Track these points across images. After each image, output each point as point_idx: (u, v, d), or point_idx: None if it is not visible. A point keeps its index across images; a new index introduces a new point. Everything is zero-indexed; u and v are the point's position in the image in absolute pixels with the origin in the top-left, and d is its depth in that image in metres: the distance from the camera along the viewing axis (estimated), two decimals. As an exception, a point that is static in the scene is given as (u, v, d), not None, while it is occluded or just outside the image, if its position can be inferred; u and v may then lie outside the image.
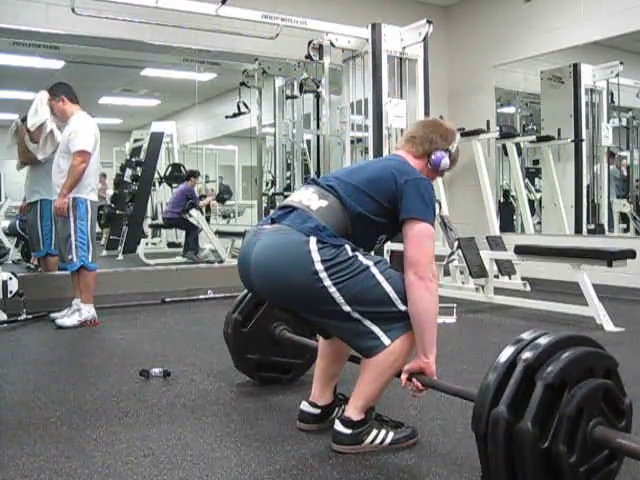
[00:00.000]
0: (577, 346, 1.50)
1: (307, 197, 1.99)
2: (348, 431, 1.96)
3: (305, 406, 2.17)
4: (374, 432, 1.99)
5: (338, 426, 1.98)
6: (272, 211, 2.19)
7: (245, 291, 2.60)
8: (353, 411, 1.97)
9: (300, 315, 2.00)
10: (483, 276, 4.73)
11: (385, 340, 1.88)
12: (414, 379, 1.92)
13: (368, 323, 1.88)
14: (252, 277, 1.96)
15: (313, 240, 1.85)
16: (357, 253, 1.90)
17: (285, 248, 1.89)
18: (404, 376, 1.93)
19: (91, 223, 4.18)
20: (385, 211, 1.96)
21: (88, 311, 4.14)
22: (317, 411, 2.16)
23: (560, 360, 1.43)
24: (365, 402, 1.97)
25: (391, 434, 2.01)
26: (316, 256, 1.84)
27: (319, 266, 1.83)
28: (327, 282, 1.83)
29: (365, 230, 1.98)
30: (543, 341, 1.47)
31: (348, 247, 1.89)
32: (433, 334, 1.90)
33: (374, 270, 1.89)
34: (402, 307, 1.89)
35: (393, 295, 1.89)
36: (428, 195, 1.95)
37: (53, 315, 4.24)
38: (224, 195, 8.83)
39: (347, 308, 1.85)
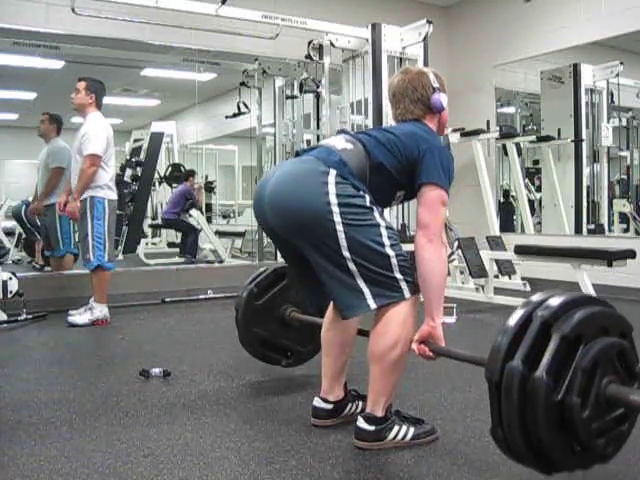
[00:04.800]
0: (593, 305, 1.50)
1: (334, 140, 2.03)
2: (371, 428, 1.97)
3: (317, 402, 2.19)
4: (396, 428, 2.00)
5: (361, 423, 1.99)
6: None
7: (264, 268, 2.66)
8: (373, 408, 1.98)
9: (303, 254, 1.97)
10: (483, 276, 4.73)
11: (371, 303, 1.89)
12: (423, 345, 1.93)
13: (360, 281, 1.88)
14: (265, 205, 1.95)
15: (333, 172, 1.86)
16: (374, 207, 1.91)
17: (304, 174, 1.90)
18: (414, 345, 1.94)
19: (109, 222, 4.18)
20: (404, 171, 1.97)
21: (100, 310, 4.15)
22: (329, 406, 2.17)
23: (576, 316, 1.42)
24: (381, 397, 1.98)
25: (412, 430, 2.02)
26: (332, 189, 1.84)
27: (333, 199, 1.84)
28: (337, 218, 1.84)
29: (383, 182, 1.99)
30: (559, 299, 1.47)
31: (368, 197, 1.90)
32: (440, 298, 1.92)
33: (383, 231, 1.90)
34: (399, 275, 1.90)
35: (394, 260, 1.90)
36: (446, 163, 1.96)
37: (71, 313, 4.20)
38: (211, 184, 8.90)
39: (346, 254, 1.86)
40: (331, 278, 1.92)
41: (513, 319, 1.47)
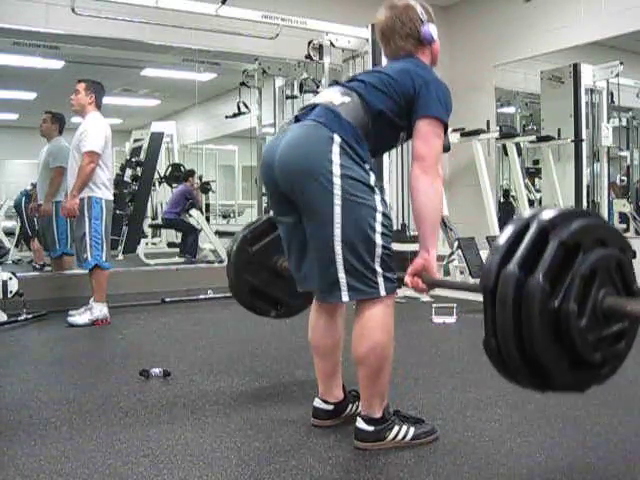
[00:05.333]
0: (592, 218, 1.46)
1: (330, 95, 1.98)
2: (371, 428, 1.96)
3: (318, 402, 2.18)
4: (396, 428, 1.99)
5: (360, 424, 1.98)
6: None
7: (259, 217, 2.63)
8: (369, 410, 1.98)
9: (305, 226, 1.95)
10: (483, 276, 4.72)
11: (344, 296, 1.88)
12: (417, 278, 1.91)
13: (340, 269, 1.85)
14: (275, 171, 1.92)
15: (337, 140, 1.83)
16: (376, 189, 1.89)
17: (308, 139, 1.87)
18: (408, 278, 1.93)
19: (106, 222, 4.19)
20: (402, 111, 1.95)
21: (100, 310, 4.15)
22: (329, 407, 2.17)
23: (575, 224, 1.38)
24: (374, 399, 1.97)
25: (412, 429, 2.01)
26: (336, 158, 1.82)
27: (336, 169, 1.81)
28: (336, 190, 1.81)
29: (386, 128, 1.97)
30: (556, 210, 1.42)
31: (372, 176, 1.88)
32: (434, 230, 1.90)
33: (378, 216, 1.86)
34: (378, 268, 1.86)
35: (378, 250, 1.86)
36: (443, 95, 1.94)
37: (71, 313, 4.21)
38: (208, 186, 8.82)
39: (337, 231, 1.83)
40: (315, 258, 1.91)
41: (509, 227, 1.42)
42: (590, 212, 1.52)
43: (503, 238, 1.40)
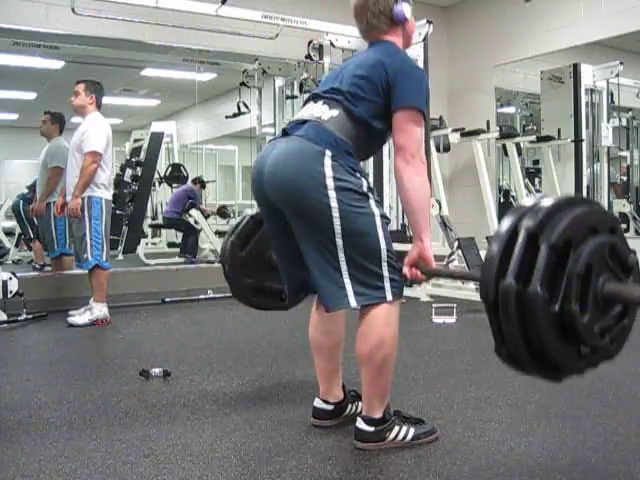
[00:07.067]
0: (578, 206, 1.45)
1: (318, 109, 1.96)
2: (371, 429, 1.96)
3: (318, 403, 2.19)
4: (396, 429, 1.99)
5: (360, 424, 1.98)
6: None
7: (241, 217, 2.64)
8: (369, 411, 1.98)
9: (295, 239, 1.95)
10: (483, 276, 4.72)
11: (352, 301, 1.87)
12: (414, 269, 1.92)
13: (345, 275, 1.85)
14: (265, 185, 1.93)
15: (329, 154, 1.83)
16: (370, 195, 1.89)
17: (299, 155, 1.86)
18: (406, 269, 1.93)
19: (105, 222, 4.19)
20: (386, 110, 1.91)
21: (100, 310, 4.15)
22: (330, 407, 2.17)
23: (562, 221, 1.37)
24: (375, 399, 1.97)
25: (412, 430, 2.01)
26: (329, 172, 1.82)
27: (330, 182, 1.81)
28: (333, 203, 1.81)
29: (375, 135, 1.96)
30: (542, 205, 1.41)
31: (365, 182, 1.88)
32: (425, 218, 1.89)
33: (378, 221, 1.87)
34: (385, 272, 1.87)
35: (383, 254, 1.87)
36: (418, 83, 1.91)
37: (71, 313, 4.22)
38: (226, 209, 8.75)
39: (339, 241, 1.83)
40: (318, 269, 1.90)
41: (499, 233, 1.41)
42: (575, 199, 1.50)
43: (494, 248, 1.40)
